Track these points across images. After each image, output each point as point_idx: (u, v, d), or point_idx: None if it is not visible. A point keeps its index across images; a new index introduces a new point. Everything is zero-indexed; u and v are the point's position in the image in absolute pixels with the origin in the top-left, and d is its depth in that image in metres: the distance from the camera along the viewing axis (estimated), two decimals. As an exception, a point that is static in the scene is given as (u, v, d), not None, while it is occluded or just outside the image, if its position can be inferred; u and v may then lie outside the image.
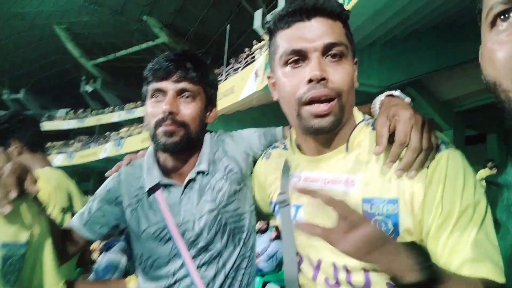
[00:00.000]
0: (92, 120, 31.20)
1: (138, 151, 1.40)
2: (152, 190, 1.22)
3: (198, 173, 1.22)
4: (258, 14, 17.98)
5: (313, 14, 0.91)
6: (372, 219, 0.84)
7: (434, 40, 9.87)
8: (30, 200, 1.03)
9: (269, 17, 17.05)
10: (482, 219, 0.78)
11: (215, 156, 1.26)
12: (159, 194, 1.22)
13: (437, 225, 0.79)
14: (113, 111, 30.23)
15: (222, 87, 12.68)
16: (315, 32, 0.89)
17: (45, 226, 1.07)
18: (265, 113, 11.66)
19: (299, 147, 1.06)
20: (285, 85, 0.93)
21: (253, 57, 12.70)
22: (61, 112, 36.33)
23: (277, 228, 5.92)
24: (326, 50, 0.89)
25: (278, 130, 1.34)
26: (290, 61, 0.91)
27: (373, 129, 0.95)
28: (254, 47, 13.61)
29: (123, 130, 25.57)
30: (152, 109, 1.17)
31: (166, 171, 1.25)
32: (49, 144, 31.94)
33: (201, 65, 1.22)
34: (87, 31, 27.38)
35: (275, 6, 16.96)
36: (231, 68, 14.79)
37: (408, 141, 0.83)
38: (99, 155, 24.56)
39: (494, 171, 4.79)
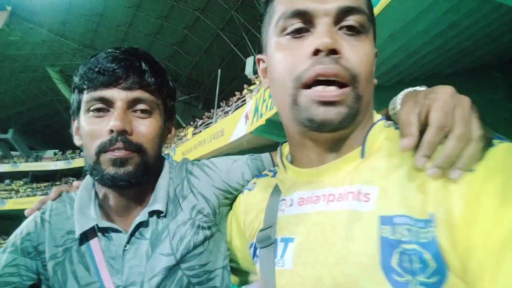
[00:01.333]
0: (79, 161, 30.73)
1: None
2: (86, 237, 0.88)
3: (152, 214, 0.90)
4: (249, 61, 18.51)
5: None
6: (395, 250, 0.56)
7: (438, 84, 10.19)
8: None
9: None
10: None
11: (177, 193, 0.94)
12: (95, 243, 0.88)
13: (491, 253, 0.48)
14: (101, 152, 29.84)
15: (213, 130, 12.79)
16: None
17: None
18: (254, 156, 11.67)
19: (293, 162, 0.79)
20: (279, 61, 0.68)
21: (244, 100, 12.92)
22: (49, 153, 35.87)
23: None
24: (340, 17, 0.64)
25: (265, 156, 1.02)
26: (290, 29, 0.66)
27: (397, 128, 0.68)
28: (245, 91, 13.88)
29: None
30: (92, 126, 0.84)
31: (106, 211, 0.92)
32: (34, 185, 31.33)
33: (160, 68, 0.92)
34: (80, 74, 27.67)
35: (265, 53, 17.53)
36: (221, 111, 14.99)
37: (451, 125, 0.56)
38: (85, 197, 23.93)
39: None
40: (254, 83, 13.75)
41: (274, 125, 9.25)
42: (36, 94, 31.10)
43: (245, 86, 14.54)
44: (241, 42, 20.90)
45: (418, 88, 0.73)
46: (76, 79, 0.87)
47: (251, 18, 19.35)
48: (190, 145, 14.31)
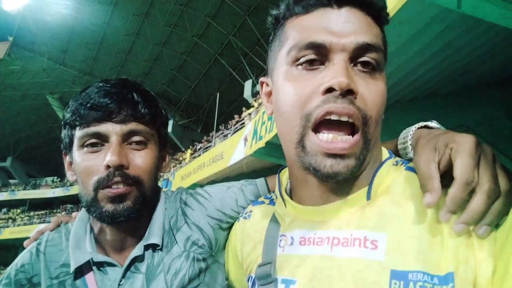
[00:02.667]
0: (77, 188, 30.56)
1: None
2: (81, 271, 0.86)
3: (147, 248, 0.88)
4: (248, 84, 18.70)
5: (346, 1, 0.63)
6: None
7: (417, 108, 10.24)
8: None
9: (258, 87, 17.75)
10: None
11: (172, 224, 0.93)
12: (90, 277, 0.86)
13: None
14: (101, 178, 29.78)
15: (211, 153, 12.75)
16: (346, 24, 0.61)
17: None
18: (255, 179, 11.60)
19: (292, 195, 0.76)
20: (288, 93, 0.63)
21: (243, 123, 12.96)
22: (47, 180, 35.72)
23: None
24: (357, 53, 0.61)
25: (260, 182, 0.99)
26: (303, 59, 0.62)
27: (408, 168, 0.66)
28: (244, 114, 13.94)
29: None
30: (88, 162, 0.82)
31: (102, 245, 0.91)
32: (32, 213, 31.03)
33: (152, 98, 0.91)
34: (80, 100, 27.92)
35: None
36: (221, 134, 15.01)
37: (477, 180, 0.52)
38: (83, 224, 23.67)
39: None
40: (253, 106, 13.82)
41: (273, 147, 9.23)
42: (35, 122, 31.25)
43: (244, 109, 14.62)
44: (239, 66, 21.19)
45: (429, 123, 0.70)
46: (67, 115, 0.86)
47: (248, 42, 19.69)
48: (190, 169, 14.23)
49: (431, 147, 0.60)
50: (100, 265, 0.87)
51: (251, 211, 0.88)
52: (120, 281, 0.86)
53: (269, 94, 0.74)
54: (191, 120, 26.83)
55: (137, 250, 0.87)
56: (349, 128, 0.61)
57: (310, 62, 0.63)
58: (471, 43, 6.45)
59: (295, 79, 0.63)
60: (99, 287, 0.86)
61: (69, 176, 0.90)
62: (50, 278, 0.88)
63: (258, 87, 18.24)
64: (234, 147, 11.29)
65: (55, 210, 30.60)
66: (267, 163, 10.63)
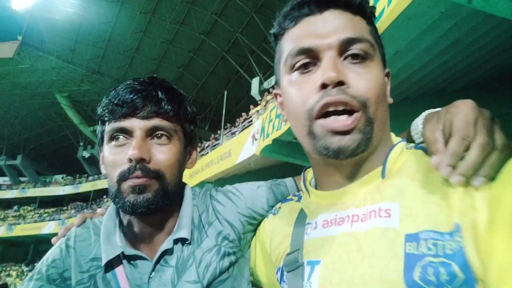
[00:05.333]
0: (87, 186, 30.88)
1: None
2: (111, 264, 0.89)
3: (177, 242, 0.91)
4: (255, 82, 18.69)
5: (325, 6, 0.70)
6: (418, 264, 0.57)
7: (426, 105, 10.15)
8: None
9: (265, 84, 17.76)
10: None
11: (202, 219, 0.96)
12: (120, 270, 0.89)
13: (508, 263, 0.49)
14: (109, 176, 30.05)
15: (219, 151, 12.78)
16: (328, 26, 0.68)
17: None
18: (263, 177, 11.59)
19: (317, 187, 0.82)
20: (292, 96, 0.71)
21: (250, 121, 12.97)
22: (57, 178, 36.13)
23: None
24: (343, 48, 0.68)
25: (289, 182, 1.03)
26: (297, 65, 0.71)
27: (417, 147, 0.72)
28: (251, 111, 13.95)
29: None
30: (114, 156, 0.87)
31: (131, 238, 0.93)
32: (42, 211, 31.40)
33: (177, 95, 0.94)
34: (88, 99, 28.15)
35: (272, 74, 17.71)
36: (228, 131, 15.03)
37: (474, 134, 0.57)
38: (92, 221, 23.88)
39: None
40: (260, 104, 13.82)
41: (281, 144, 9.23)
42: (44, 120, 31.59)
43: (251, 106, 14.63)
44: (246, 64, 21.19)
45: (438, 109, 0.74)
46: (99, 111, 0.91)
47: (255, 39, 19.67)
48: (197, 166, 14.27)
49: (435, 118, 0.66)
50: (130, 258, 0.90)
51: (279, 208, 0.93)
52: (150, 274, 0.88)
53: (282, 103, 0.81)
54: (199, 118, 26.93)
55: (167, 244, 0.90)
56: (349, 113, 0.67)
57: (305, 66, 0.70)
58: (481, 39, 6.38)
59: (295, 83, 0.72)
60: (129, 280, 0.88)
61: (102, 169, 0.94)
62: (80, 272, 0.90)
63: (265, 84, 18.25)
64: (242, 144, 11.31)
65: (64, 208, 30.91)
66: (275, 161, 10.63)
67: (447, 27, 5.72)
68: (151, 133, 0.88)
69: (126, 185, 0.85)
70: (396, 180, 0.68)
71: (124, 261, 0.90)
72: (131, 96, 0.87)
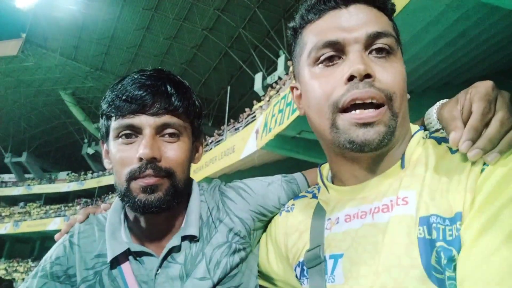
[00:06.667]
0: (92, 182, 31.02)
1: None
2: (116, 261, 0.88)
3: (184, 238, 0.90)
4: (258, 77, 18.65)
5: (351, 0, 0.71)
6: (433, 249, 0.59)
7: (431, 99, 10.07)
8: None
9: (269, 79, 17.72)
10: None
11: (213, 216, 0.95)
12: (127, 266, 0.87)
13: (475, 230, 0.55)
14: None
15: (223, 147, 12.79)
16: (355, 20, 0.69)
17: None
18: (267, 172, 11.63)
19: (334, 182, 0.83)
20: (315, 89, 0.71)
21: (254, 116, 12.95)
22: (62, 174, 36.33)
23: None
24: (370, 42, 0.68)
25: (300, 179, 1.02)
26: (322, 57, 0.70)
27: (432, 137, 0.73)
28: (255, 107, 13.92)
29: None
30: (121, 154, 0.84)
31: (137, 234, 0.92)
32: (47, 207, 31.64)
33: (186, 90, 0.92)
34: (92, 96, 28.21)
35: (275, 69, 17.67)
36: (232, 127, 15.02)
37: (493, 111, 0.59)
38: (98, 217, 24.03)
39: None
40: (263, 99, 13.79)
41: (284, 140, 9.21)
42: (49, 117, 31.72)
43: (255, 102, 14.60)
44: (249, 59, 21.13)
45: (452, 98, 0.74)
46: (104, 106, 0.88)
47: (258, 34, 19.60)
48: (202, 162, 14.30)
49: (453, 100, 0.67)
50: (137, 254, 0.89)
51: (293, 205, 0.92)
52: (157, 270, 0.87)
53: (299, 97, 0.80)
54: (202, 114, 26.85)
55: (174, 241, 0.89)
56: (375, 107, 0.67)
57: (329, 59, 0.70)
58: (487, 31, 6.32)
59: (319, 76, 0.71)
60: (135, 276, 0.87)
61: (106, 164, 0.92)
62: (86, 269, 0.89)
63: (268, 79, 18.19)
64: (246, 140, 11.30)
65: (70, 204, 31.12)
66: (278, 156, 10.62)
67: (453, 20, 5.67)
68: (160, 130, 0.85)
69: (136, 184, 0.83)
70: (414, 169, 0.69)
71: (130, 257, 0.89)
72: (140, 92, 0.83)
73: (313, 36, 0.72)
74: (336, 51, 0.69)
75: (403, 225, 0.64)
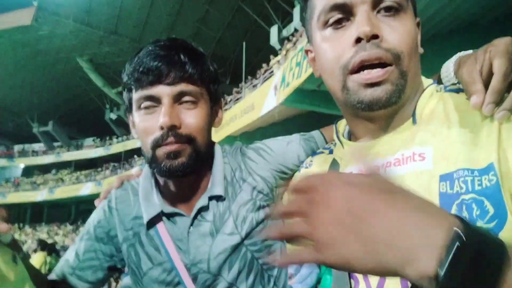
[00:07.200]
0: (118, 147, 31.86)
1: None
2: (152, 222, 0.97)
3: (211, 198, 0.97)
4: (274, 31, 18.14)
5: None
6: (455, 203, 0.59)
7: (456, 41, 9.65)
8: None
9: (285, 32, 17.22)
10: None
11: (236, 176, 1.01)
12: (161, 226, 0.96)
13: None
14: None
15: (242, 105, 12.77)
16: None
17: (20, 282, 0.76)
18: (288, 127, 11.62)
19: (350, 138, 0.85)
20: (326, 52, 0.73)
21: (271, 72, 12.76)
22: (88, 141, 37.38)
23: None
24: (377, 1, 0.68)
25: (318, 136, 1.06)
26: (331, 21, 0.71)
27: (448, 90, 0.72)
28: (272, 62, 13.68)
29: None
30: (145, 123, 0.90)
31: (168, 197, 0.99)
32: (78, 173, 32.90)
33: (199, 57, 0.95)
34: (109, 61, 28.25)
35: (290, 21, 17.10)
36: (250, 84, 14.90)
37: None
38: (126, 180, 24.86)
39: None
40: (280, 53, 13.49)
41: (303, 93, 9.11)
42: (69, 86, 32.12)
43: (271, 57, 14.32)
44: (263, 12, 20.46)
45: (470, 51, 0.72)
46: (124, 79, 0.94)
47: (271, -15, 18.81)
48: (222, 122, 14.36)
49: (471, 58, 0.65)
50: (169, 215, 0.97)
51: (311, 161, 0.95)
52: (189, 228, 0.96)
53: (314, 59, 0.82)
54: (219, 73, 26.61)
55: (202, 201, 0.96)
56: (383, 66, 0.67)
57: (338, 22, 0.71)
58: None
59: (328, 39, 0.72)
60: (170, 235, 0.96)
61: (134, 134, 0.98)
62: (125, 230, 1.00)
63: (284, 32, 17.66)
64: (265, 96, 11.23)
65: (99, 169, 32.21)
66: (299, 111, 10.55)
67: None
68: (178, 98, 0.90)
69: (160, 151, 0.89)
70: (428, 124, 0.69)
71: (164, 218, 0.97)
72: (156, 63, 0.87)
73: (322, 0, 0.73)
74: (344, 13, 0.70)
75: (421, 181, 0.64)
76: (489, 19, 8.09)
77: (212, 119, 1.00)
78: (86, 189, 28.73)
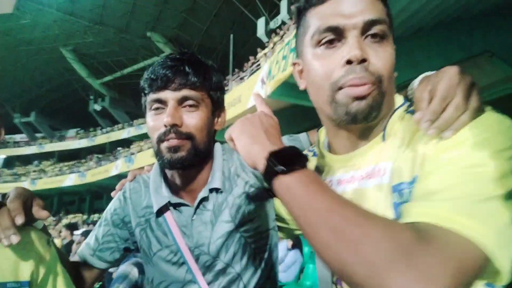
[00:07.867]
0: (102, 138, 31.47)
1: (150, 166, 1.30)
2: (161, 211, 1.13)
3: (211, 191, 1.13)
4: (261, 22, 18.06)
5: None
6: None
7: (441, 36, 9.77)
8: (37, 230, 0.92)
9: (272, 24, 17.16)
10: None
11: (232, 172, 1.17)
12: (169, 215, 1.12)
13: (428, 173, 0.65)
14: (122, 127, 30.56)
15: (229, 97, 12.72)
16: (354, 7, 0.78)
17: (53, 261, 0.95)
18: (273, 120, 11.58)
19: (329, 149, 0.95)
20: (317, 69, 0.81)
21: (258, 64, 12.73)
22: (72, 132, 36.81)
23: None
24: (366, 28, 0.77)
25: (303, 136, 1.26)
26: (324, 40, 0.80)
27: (409, 111, 0.82)
28: (259, 55, 13.64)
29: (134, 146, 25.75)
30: (153, 122, 1.07)
31: (175, 189, 1.15)
32: (61, 164, 32.35)
33: (203, 68, 1.11)
34: (93, 51, 27.81)
35: (277, 13, 17.05)
36: (237, 77, 14.84)
37: (453, 96, 0.67)
38: (110, 172, 24.69)
39: None
40: (267, 46, 13.46)
41: (290, 87, 9.11)
42: (53, 76, 31.55)
43: (259, 49, 14.27)
44: (250, 3, 20.34)
45: (432, 72, 0.82)
46: (141, 84, 1.11)
47: (259, -23, 18.68)
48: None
49: (426, 80, 0.75)
50: (176, 205, 1.13)
51: None
52: (193, 216, 1.12)
53: (301, 71, 0.91)
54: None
55: (204, 192, 1.12)
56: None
57: (330, 42, 0.79)
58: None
59: (320, 57, 0.81)
60: (176, 222, 1.12)
61: (148, 131, 1.14)
62: (138, 216, 1.17)
63: (271, 24, 17.58)
64: (252, 89, 11.21)
65: (83, 160, 31.79)
66: (286, 104, 10.57)
67: None
68: (181, 102, 1.05)
69: (163, 146, 1.05)
70: (392, 142, 0.80)
71: (171, 208, 1.13)
72: (164, 71, 1.04)
73: (316, 20, 0.81)
74: (336, 35, 0.78)
75: (381, 193, 0.76)
76: (475, 11, 8.18)
77: (213, 121, 1.14)
78: (69, 180, 28.28)
